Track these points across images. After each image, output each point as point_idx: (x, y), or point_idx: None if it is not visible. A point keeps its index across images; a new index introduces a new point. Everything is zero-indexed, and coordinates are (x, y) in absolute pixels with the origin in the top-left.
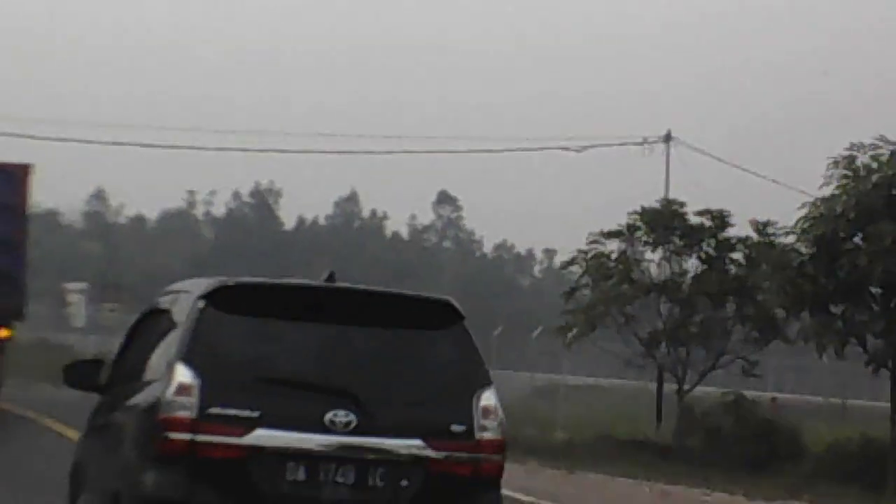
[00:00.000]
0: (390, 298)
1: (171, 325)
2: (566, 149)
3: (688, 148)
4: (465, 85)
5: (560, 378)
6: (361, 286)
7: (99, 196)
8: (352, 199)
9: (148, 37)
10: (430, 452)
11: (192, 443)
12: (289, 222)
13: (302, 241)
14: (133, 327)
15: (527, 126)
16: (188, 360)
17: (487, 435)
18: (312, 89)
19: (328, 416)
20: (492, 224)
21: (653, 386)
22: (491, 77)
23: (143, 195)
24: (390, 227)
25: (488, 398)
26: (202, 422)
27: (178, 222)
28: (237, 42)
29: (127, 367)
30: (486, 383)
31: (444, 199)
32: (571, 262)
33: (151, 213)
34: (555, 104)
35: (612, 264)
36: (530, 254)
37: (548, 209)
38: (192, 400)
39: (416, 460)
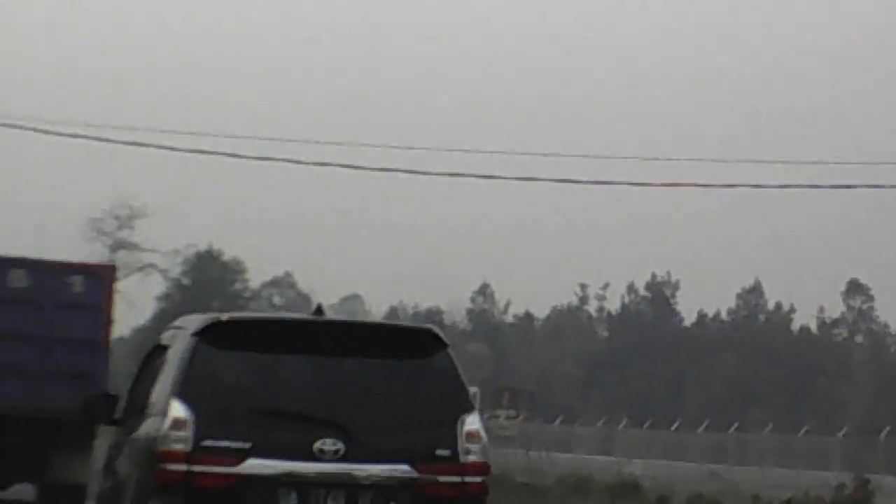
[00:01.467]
0: (375, 329)
1: (169, 361)
2: None
3: None
4: None
5: None
6: (346, 318)
7: (484, 293)
8: (755, 290)
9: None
10: (416, 476)
11: (188, 473)
12: (688, 317)
13: (703, 337)
14: (143, 362)
15: None
16: (182, 395)
17: (472, 458)
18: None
19: (317, 444)
20: None
21: None
22: None
23: (531, 291)
24: (797, 320)
25: (472, 423)
26: (197, 454)
27: (568, 319)
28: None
29: (135, 402)
30: (469, 409)
31: (855, 288)
32: None
33: (540, 311)
34: None
35: None
36: None
37: None
38: (187, 434)
39: (403, 484)
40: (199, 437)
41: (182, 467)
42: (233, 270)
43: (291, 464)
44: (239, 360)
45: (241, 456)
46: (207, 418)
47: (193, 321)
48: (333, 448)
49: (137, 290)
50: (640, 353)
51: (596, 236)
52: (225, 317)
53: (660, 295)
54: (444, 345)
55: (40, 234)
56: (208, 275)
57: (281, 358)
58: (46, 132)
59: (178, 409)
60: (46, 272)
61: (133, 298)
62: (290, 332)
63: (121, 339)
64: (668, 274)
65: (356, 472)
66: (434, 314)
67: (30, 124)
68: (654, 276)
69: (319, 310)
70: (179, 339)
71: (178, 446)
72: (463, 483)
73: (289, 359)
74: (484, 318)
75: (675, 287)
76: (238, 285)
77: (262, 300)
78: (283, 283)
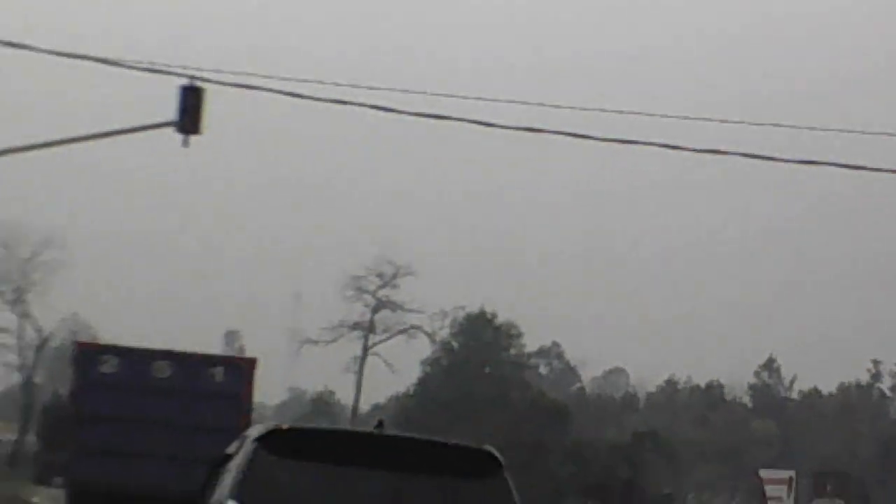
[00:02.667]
0: (434, 447)
1: (231, 465)
2: None
3: None
4: None
5: None
6: (407, 434)
7: (770, 367)
8: None
9: None
10: None
11: None
12: None
13: None
14: (210, 469)
15: None
16: (236, 497)
17: None
18: None
19: None
20: None
21: None
22: None
23: (818, 366)
24: None
25: None
26: None
27: (859, 397)
28: None
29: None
30: None
31: None
32: None
33: (826, 386)
34: None
35: None
36: None
37: None
38: None
39: None
40: None
41: None
42: (507, 335)
43: None
44: (295, 468)
45: None
46: None
47: (257, 429)
48: None
49: (399, 355)
50: None
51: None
52: (285, 426)
53: None
54: (500, 466)
55: (297, 302)
56: (480, 339)
57: (336, 469)
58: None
59: None
60: (189, 364)
61: (394, 362)
62: (348, 444)
63: (376, 406)
64: None
65: None
66: (713, 388)
67: None
68: None
69: (380, 424)
70: (243, 444)
71: None
72: None
73: (344, 470)
74: (768, 393)
75: None
76: (512, 351)
77: (531, 369)
78: (550, 352)
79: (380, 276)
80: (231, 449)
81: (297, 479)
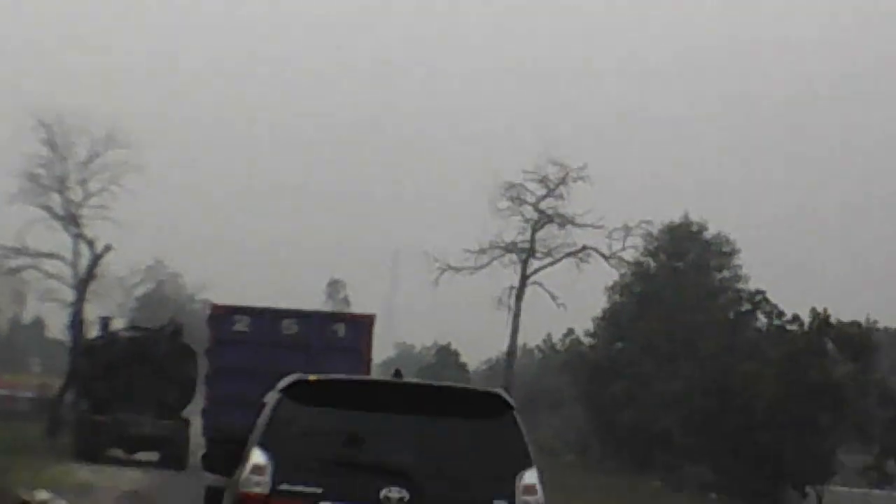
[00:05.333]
0: (446, 391)
1: (261, 415)
2: None
3: None
4: None
5: None
6: (422, 381)
7: None
8: None
9: None
10: None
11: None
12: None
13: None
14: (256, 415)
15: None
16: (263, 445)
17: None
18: None
19: (383, 492)
20: None
21: None
22: None
23: None
24: None
25: (530, 477)
26: (273, 497)
27: None
28: None
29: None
30: (528, 465)
31: None
32: None
33: None
34: None
35: None
36: None
37: None
38: (265, 478)
39: None
40: (276, 481)
41: None
42: (720, 252)
43: None
44: (318, 415)
45: (314, 500)
46: (284, 465)
47: (284, 381)
48: (398, 496)
49: (570, 282)
50: None
51: None
52: (311, 377)
53: None
54: (510, 407)
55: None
56: (686, 257)
57: (356, 414)
58: None
59: (258, 457)
60: (313, 321)
61: (564, 293)
62: (368, 392)
63: (552, 348)
64: None
65: None
66: None
67: None
68: None
69: (398, 373)
70: (270, 395)
71: (257, 489)
72: None
73: (363, 415)
74: None
75: None
76: (726, 273)
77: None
78: None
79: (543, 181)
80: (266, 398)
81: (320, 425)
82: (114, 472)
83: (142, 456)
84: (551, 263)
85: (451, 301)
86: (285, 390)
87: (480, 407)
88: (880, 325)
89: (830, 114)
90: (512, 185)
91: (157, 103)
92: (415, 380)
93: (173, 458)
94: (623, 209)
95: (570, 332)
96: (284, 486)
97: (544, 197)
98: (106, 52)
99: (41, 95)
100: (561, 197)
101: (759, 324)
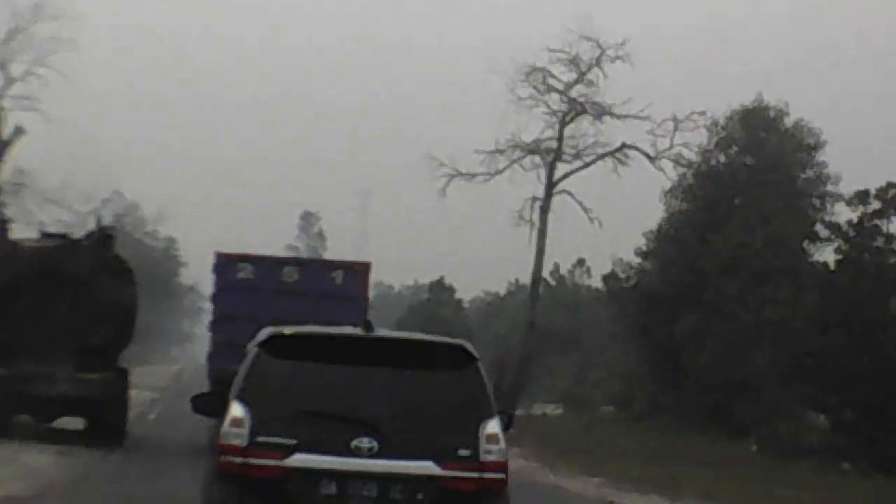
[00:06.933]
0: (413, 343)
1: (241, 367)
2: None
3: None
4: None
5: None
6: (389, 333)
7: None
8: None
9: None
10: (440, 472)
11: (243, 465)
12: None
13: None
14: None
15: None
16: (241, 398)
17: (491, 457)
18: None
19: (354, 442)
20: None
21: None
22: None
23: None
24: None
25: (492, 427)
26: (251, 448)
27: None
28: None
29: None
30: (491, 415)
31: None
32: None
33: None
34: None
35: None
36: None
37: None
38: (243, 430)
39: (429, 478)
40: (253, 433)
41: (238, 459)
42: (801, 146)
43: (331, 459)
44: (293, 368)
45: (289, 451)
46: (261, 418)
47: (262, 334)
48: (368, 446)
49: (608, 187)
50: None
51: None
52: (287, 331)
53: None
54: (473, 359)
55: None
56: (761, 152)
57: (329, 367)
58: None
59: (237, 410)
60: (313, 268)
61: (598, 202)
62: (339, 344)
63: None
64: None
65: (387, 468)
66: None
67: None
68: None
69: (369, 326)
70: (249, 348)
71: (236, 441)
72: (481, 479)
73: (335, 368)
74: None
75: None
76: (810, 172)
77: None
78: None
79: (574, 62)
80: (247, 349)
81: (293, 377)
82: (9, 454)
83: (62, 424)
84: (583, 167)
85: (450, 224)
86: (262, 344)
87: (446, 358)
88: None
89: None
90: (534, 70)
91: None
92: (385, 332)
93: (105, 426)
94: (671, 98)
95: (613, 253)
96: (261, 439)
97: (575, 83)
98: None
99: None
100: (593, 84)
101: None
